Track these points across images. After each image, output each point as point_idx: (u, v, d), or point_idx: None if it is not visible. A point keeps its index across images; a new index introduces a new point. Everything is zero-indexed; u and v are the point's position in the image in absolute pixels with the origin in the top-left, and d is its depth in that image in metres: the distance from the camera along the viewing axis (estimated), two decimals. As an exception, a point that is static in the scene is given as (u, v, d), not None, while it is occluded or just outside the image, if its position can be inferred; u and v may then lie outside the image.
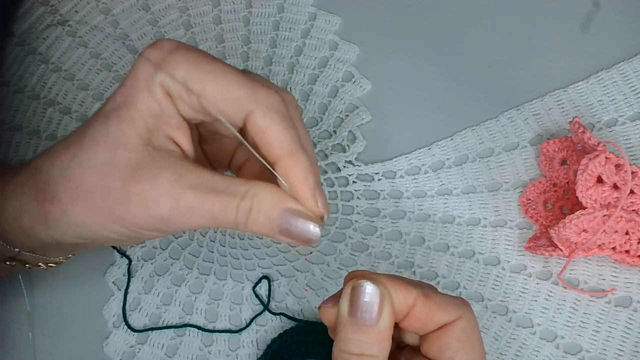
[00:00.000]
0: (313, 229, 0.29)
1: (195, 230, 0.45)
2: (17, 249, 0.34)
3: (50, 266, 0.37)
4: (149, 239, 0.32)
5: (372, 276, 0.28)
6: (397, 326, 0.29)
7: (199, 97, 0.29)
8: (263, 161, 0.30)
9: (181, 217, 0.29)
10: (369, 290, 0.27)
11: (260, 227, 0.29)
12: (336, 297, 0.28)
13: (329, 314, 0.29)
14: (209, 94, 0.29)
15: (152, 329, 0.42)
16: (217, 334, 0.42)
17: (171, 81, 0.29)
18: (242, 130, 0.30)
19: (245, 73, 0.30)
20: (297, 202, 0.29)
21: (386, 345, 0.28)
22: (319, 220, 0.30)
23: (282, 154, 0.29)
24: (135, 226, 0.30)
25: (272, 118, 0.29)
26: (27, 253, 0.34)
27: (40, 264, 0.37)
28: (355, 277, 0.28)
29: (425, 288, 0.29)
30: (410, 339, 0.31)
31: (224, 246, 0.44)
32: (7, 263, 0.35)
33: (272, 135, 0.29)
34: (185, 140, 0.31)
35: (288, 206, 0.29)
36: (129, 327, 0.42)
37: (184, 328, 0.42)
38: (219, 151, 0.35)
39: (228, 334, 0.41)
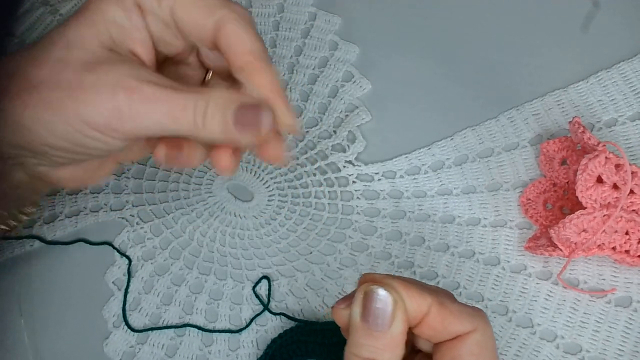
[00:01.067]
0: (267, 115, 0.29)
1: (195, 230, 0.45)
2: None
3: (13, 227, 0.36)
4: (99, 151, 0.31)
5: (385, 281, 0.27)
6: (410, 331, 0.29)
7: (172, 7, 0.29)
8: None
9: (137, 110, 0.28)
10: (382, 296, 0.27)
11: (216, 125, 0.29)
12: (349, 299, 0.28)
13: (342, 315, 0.28)
14: (182, 5, 0.29)
15: (152, 329, 0.42)
16: (217, 334, 0.42)
17: None
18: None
19: None
20: (249, 96, 0.30)
21: (399, 352, 0.27)
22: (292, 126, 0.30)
23: (253, 60, 0.30)
24: (85, 122, 0.28)
25: (245, 26, 0.30)
26: None
27: (16, 215, 0.35)
28: (368, 281, 0.27)
29: (441, 295, 0.28)
30: (424, 345, 0.30)
31: (224, 246, 0.44)
32: None
33: (245, 42, 0.30)
34: (147, 58, 0.30)
35: (241, 100, 0.29)
36: (129, 327, 0.42)
37: (184, 328, 0.42)
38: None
39: (228, 334, 0.41)
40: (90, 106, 0.28)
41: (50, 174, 0.33)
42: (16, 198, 0.36)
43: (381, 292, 0.27)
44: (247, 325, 0.41)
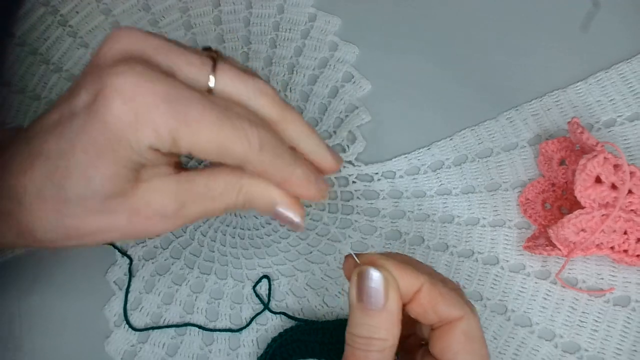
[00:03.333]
0: (299, 218, 0.31)
1: (195, 230, 0.45)
2: None
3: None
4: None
5: (379, 261, 0.29)
6: (415, 321, 0.30)
7: (192, 152, 0.28)
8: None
9: (183, 216, 0.29)
10: (374, 276, 0.28)
11: (258, 211, 0.31)
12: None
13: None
14: (203, 145, 0.27)
15: (153, 328, 0.42)
16: (218, 333, 0.42)
17: (158, 140, 0.27)
18: None
19: (217, 101, 0.28)
20: (282, 194, 0.31)
21: (395, 330, 0.28)
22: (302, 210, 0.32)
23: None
24: (140, 233, 0.30)
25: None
26: None
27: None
28: (364, 263, 0.29)
29: (435, 277, 0.29)
30: (426, 332, 0.31)
31: (225, 246, 0.44)
32: None
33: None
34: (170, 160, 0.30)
35: (278, 201, 0.31)
36: (130, 326, 0.42)
37: (184, 327, 0.42)
38: None
39: (228, 333, 0.42)
40: (142, 227, 0.29)
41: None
42: None
43: (373, 272, 0.28)
44: (248, 325, 0.42)
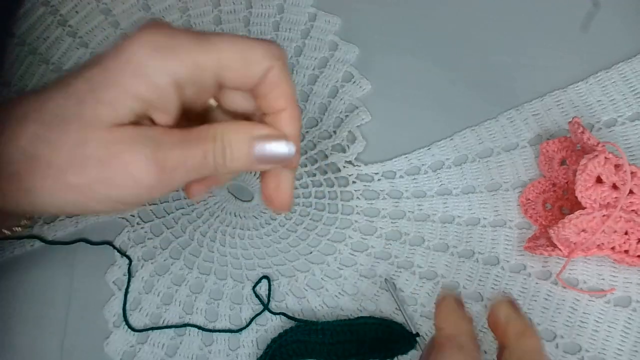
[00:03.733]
0: (287, 146, 0.30)
1: (195, 230, 0.45)
2: None
3: (14, 230, 0.36)
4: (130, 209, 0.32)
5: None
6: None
7: (216, 72, 0.29)
8: None
9: (168, 179, 0.29)
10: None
11: (238, 163, 0.30)
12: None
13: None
14: (231, 66, 0.29)
15: (152, 328, 0.42)
16: (217, 333, 0.42)
17: (183, 68, 0.28)
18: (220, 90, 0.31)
19: (237, 36, 0.30)
20: (262, 127, 0.30)
21: None
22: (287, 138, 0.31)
23: (287, 106, 0.31)
24: (119, 201, 0.29)
25: (285, 72, 0.30)
26: None
27: (4, 230, 0.35)
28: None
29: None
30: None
31: (224, 246, 0.44)
32: None
33: (284, 88, 0.30)
34: (167, 121, 0.30)
35: (256, 134, 0.30)
36: (130, 326, 0.42)
37: (184, 328, 0.42)
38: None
39: (228, 333, 0.42)
40: (122, 191, 0.28)
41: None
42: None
43: None
44: (247, 325, 0.42)
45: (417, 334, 0.39)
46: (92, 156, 0.28)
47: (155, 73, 0.28)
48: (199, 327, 0.42)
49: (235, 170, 0.30)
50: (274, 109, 0.31)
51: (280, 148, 0.30)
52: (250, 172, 0.46)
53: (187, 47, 0.28)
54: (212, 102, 0.32)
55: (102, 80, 0.28)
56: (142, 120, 0.29)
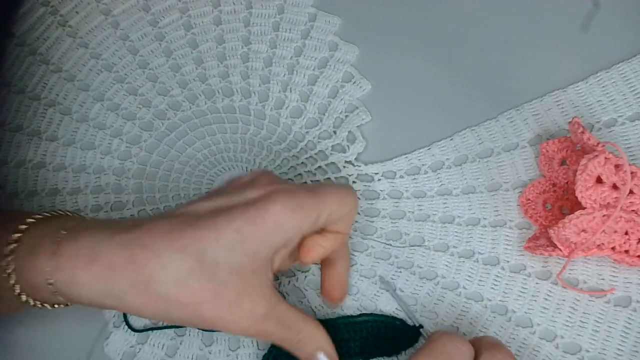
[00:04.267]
0: None
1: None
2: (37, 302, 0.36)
3: (45, 305, 0.37)
4: None
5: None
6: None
7: (330, 214, 0.35)
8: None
9: (254, 336, 0.36)
10: None
11: (298, 356, 0.36)
12: None
13: None
14: (334, 212, 0.35)
15: (152, 328, 0.42)
16: (217, 333, 0.42)
17: (309, 221, 0.34)
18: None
19: (335, 186, 0.40)
20: (330, 347, 0.36)
21: None
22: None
23: (341, 248, 0.40)
24: (213, 327, 0.34)
25: (352, 217, 0.38)
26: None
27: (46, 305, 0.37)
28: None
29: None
30: None
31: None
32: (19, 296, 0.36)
33: (348, 223, 0.38)
34: (279, 263, 0.36)
35: (323, 351, 0.36)
36: (130, 327, 0.42)
37: (184, 328, 0.42)
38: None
39: (228, 333, 0.42)
40: (222, 327, 0.34)
41: None
42: None
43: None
44: None
45: (421, 326, 0.39)
46: (226, 298, 0.33)
47: (291, 229, 0.34)
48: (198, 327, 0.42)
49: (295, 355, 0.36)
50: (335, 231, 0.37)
51: None
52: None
53: (311, 204, 0.34)
54: None
55: (250, 233, 0.33)
56: (268, 268, 0.35)
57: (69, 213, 0.37)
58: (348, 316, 0.41)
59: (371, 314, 0.41)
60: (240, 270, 0.33)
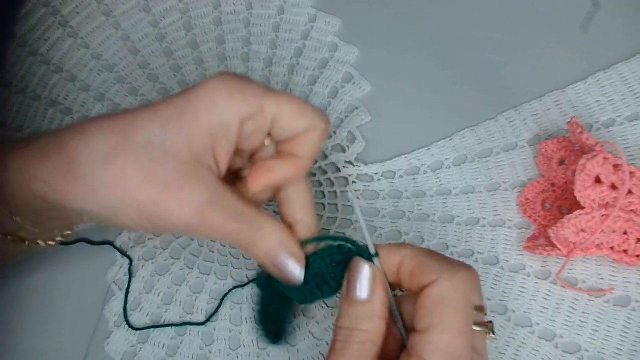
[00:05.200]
0: (299, 273, 0.33)
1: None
2: (18, 218, 0.34)
3: (49, 244, 0.37)
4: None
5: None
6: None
7: (275, 115, 0.32)
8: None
9: (203, 230, 0.32)
10: (362, 269, 0.30)
11: (260, 257, 0.33)
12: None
13: None
14: (286, 116, 0.32)
15: (152, 327, 0.42)
16: (218, 333, 0.42)
17: (251, 109, 0.32)
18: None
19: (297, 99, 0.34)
20: (295, 246, 0.33)
21: (377, 323, 0.29)
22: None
23: (304, 168, 0.35)
24: (158, 226, 0.32)
25: (322, 136, 0.34)
26: (28, 227, 0.35)
27: (39, 241, 0.36)
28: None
29: (422, 251, 0.30)
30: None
31: (225, 246, 0.44)
32: (9, 237, 0.35)
33: (313, 150, 0.34)
34: (225, 162, 0.33)
35: (287, 250, 0.32)
36: (130, 325, 0.42)
37: (184, 328, 0.42)
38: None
39: (228, 333, 0.42)
40: (165, 220, 0.31)
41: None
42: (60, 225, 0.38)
43: (362, 266, 0.30)
44: (219, 306, 0.42)
45: (376, 254, 0.32)
46: (159, 179, 0.31)
47: (227, 112, 0.31)
48: (174, 324, 0.42)
49: (250, 256, 0.33)
50: (298, 156, 0.34)
51: (295, 270, 0.33)
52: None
53: (255, 93, 0.32)
54: (267, 142, 0.34)
55: (184, 111, 0.31)
56: (211, 163, 0.32)
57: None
58: None
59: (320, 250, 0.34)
60: (176, 152, 0.31)
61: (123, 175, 0.30)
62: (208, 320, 0.42)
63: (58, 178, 0.31)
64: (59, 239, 0.37)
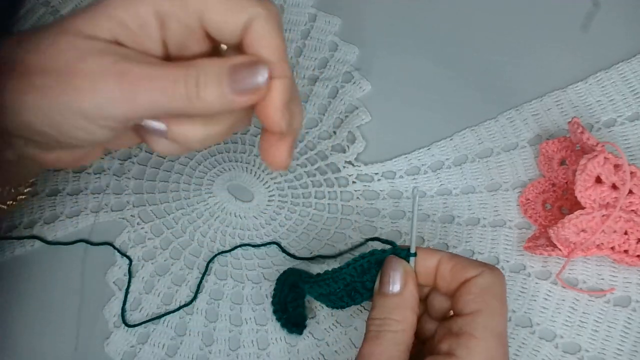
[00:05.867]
0: (264, 70, 0.28)
1: (195, 231, 0.45)
2: None
3: (10, 205, 0.35)
4: (87, 142, 0.31)
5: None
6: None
7: (201, 11, 0.28)
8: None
9: (127, 93, 0.27)
10: (395, 265, 0.32)
11: (212, 93, 0.28)
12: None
13: None
14: (214, 10, 0.28)
15: (148, 321, 0.42)
16: (218, 333, 0.42)
17: (167, 1, 0.28)
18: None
19: None
20: (239, 56, 0.29)
21: (409, 315, 0.31)
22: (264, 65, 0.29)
23: (275, 61, 0.29)
24: (75, 110, 0.28)
25: (272, 26, 0.29)
26: None
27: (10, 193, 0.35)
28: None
29: (454, 254, 0.32)
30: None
31: (225, 246, 0.44)
32: None
33: (271, 43, 0.29)
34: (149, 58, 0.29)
35: (231, 62, 0.28)
36: (126, 324, 0.42)
37: (184, 328, 0.42)
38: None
39: (227, 333, 0.42)
40: (80, 94, 0.28)
41: (38, 156, 0.33)
42: (7, 176, 0.36)
43: (395, 262, 0.32)
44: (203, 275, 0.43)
45: (415, 254, 0.33)
46: (61, 59, 0.28)
47: (138, 1, 0.28)
48: (183, 306, 0.42)
49: (209, 108, 0.28)
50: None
51: (257, 73, 0.28)
52: (250, 173, 0.46)
53: None
54: (223, 46, 0.31)
55: (89, 9, 0.28)
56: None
57: None
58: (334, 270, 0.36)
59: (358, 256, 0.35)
60: (73, 30, 0.28)
61: (22, 70, 0.28)
62: (195, 296, 0.42)
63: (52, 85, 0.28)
64: (20, 197, 0.36)
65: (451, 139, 0.46)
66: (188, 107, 0.28)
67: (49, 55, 0.28)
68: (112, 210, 0.46)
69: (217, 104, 0.28)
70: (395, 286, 0.32)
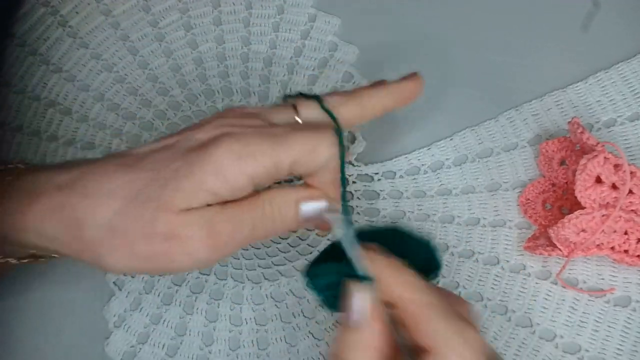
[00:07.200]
0: (327, 203, 0.33)
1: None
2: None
3: (22, 262, 0.36)
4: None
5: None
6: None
7: (292, 168, 0.32)
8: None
9: (221, 252, 0.32)
10: (360, 294, 0.28)
11: (286, 225, 0.33)
12: None
13: None
14: (302, 160, 0.32)
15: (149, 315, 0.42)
16: (217, 333, 0.42)
17: (261, 168, 0.31)
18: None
19: (306, 130, 0.33)
20: (304, 189, 0.33)
21: (371, 354, 0.27)
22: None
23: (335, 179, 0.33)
24: (178, 270, 0.33)
25: (337, 157, 0.33)
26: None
27: (27, 260, 0.36)
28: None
29: (439, 301, 0.28)
30: None
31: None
32: None
33: (335, 168, 0.33)
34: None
35: (300, 196, 0.33)
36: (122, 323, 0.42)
37: (184, 328, 0.42)
38: None
39: (227, 333, 0.42)
40: (178, 263, 0.32)
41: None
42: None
43: (360, 291, 0.27)
44: None
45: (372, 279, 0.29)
46: (159, 233, 0.31)
47: (234, 177, 0.31)
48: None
49: (283, 232, 0.34)
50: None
51: (322, 205, 0.33)
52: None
53: (264, 152, 0.31)
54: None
55: (186, 173, 0.31)
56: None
57: (19, 166, 0.36)
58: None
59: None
60: (170, 205, 0.31)
61: (126, 236, 0.31)
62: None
63: (68, 240, 0.32)
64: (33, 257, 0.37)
65: (451, 139, 0.46)
66: (265, 238, 0.34)
67: (152, 230, 0.31)
68: (112, 210, 0.46)
69: (288, 230, 0.34)
70: (358, 321, 0.27)
